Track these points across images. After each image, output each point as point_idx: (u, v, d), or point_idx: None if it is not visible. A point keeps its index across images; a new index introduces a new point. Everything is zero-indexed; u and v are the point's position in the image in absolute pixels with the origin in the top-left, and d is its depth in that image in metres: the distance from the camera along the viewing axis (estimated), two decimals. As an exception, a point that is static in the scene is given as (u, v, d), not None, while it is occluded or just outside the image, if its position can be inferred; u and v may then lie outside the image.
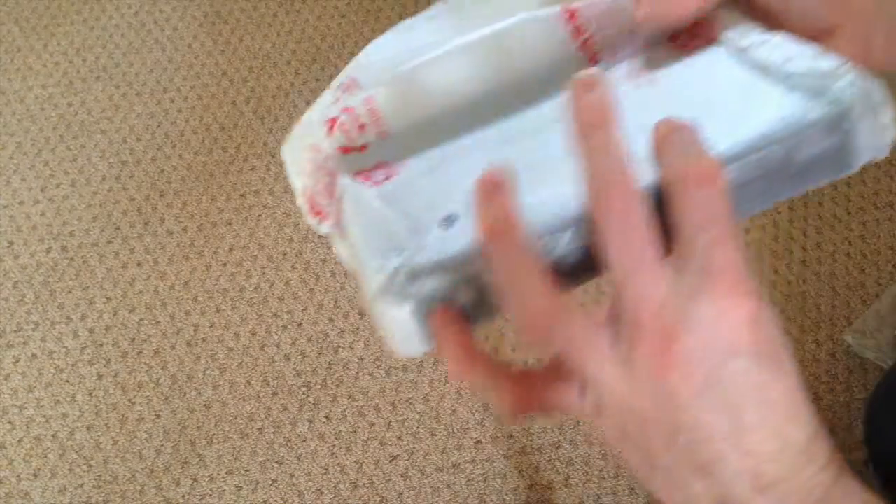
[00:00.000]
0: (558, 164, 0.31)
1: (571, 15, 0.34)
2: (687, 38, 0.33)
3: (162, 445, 0.75)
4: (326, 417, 0.76)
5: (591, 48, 0.34)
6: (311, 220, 0.35)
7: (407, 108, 0.35)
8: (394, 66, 0.35)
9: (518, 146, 0.33)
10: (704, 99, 0.32)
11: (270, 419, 0.76)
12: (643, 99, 0.32)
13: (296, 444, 0.74)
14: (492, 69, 0.34)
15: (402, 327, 0.31)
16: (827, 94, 0.31)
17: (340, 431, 0.75)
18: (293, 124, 0.35)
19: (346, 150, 0.34)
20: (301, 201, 0.36)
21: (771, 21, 0.29)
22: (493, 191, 0.27)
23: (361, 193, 0.33)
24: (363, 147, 0.34)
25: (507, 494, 0.71)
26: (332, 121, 0.34)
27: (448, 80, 0.35)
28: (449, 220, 0.31)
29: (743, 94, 0.32)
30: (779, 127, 0.31)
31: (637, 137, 0.28)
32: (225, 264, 0.86)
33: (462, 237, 0.31)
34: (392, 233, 0.31)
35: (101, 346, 0.81)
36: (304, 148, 0.35)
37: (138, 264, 0.86)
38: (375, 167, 0.33)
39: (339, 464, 0.73)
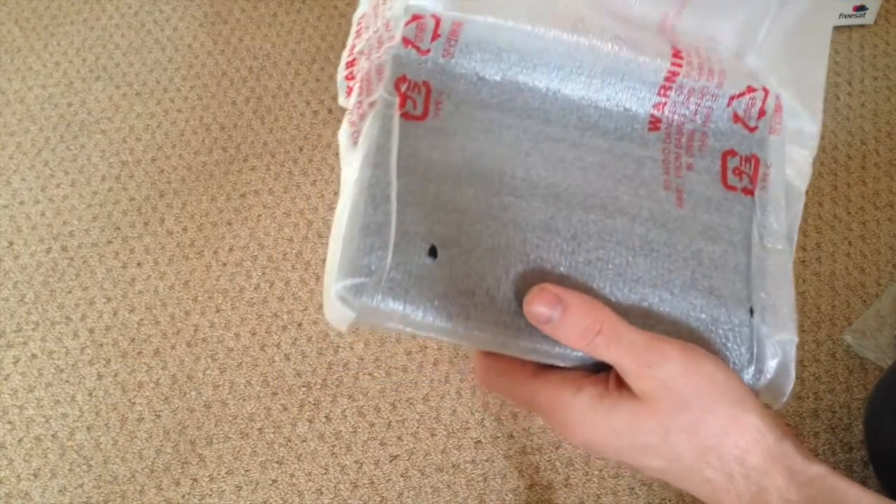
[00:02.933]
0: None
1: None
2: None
3: (162, 445, 0.75)
4: (326, 417, 0.76)
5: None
6: (340, 81, 0.35)
7: (482, 56, 0.33)
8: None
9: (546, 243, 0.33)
10: None
11: (270, 419, 0.76)
12: None
13: (296, 444, 0.74)
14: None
15: (339, 315, 0.31)
16: None
17: (340, 431, 0.75)
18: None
19: (408, 43, 0.33)
20: (344, 57, 0.35)
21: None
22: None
23: (390, 120, 0.32)
24: (426, 52, 0.33)
25: (507, 494, 0.71)
26: (416, 17, 0.33)
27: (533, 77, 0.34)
28: (433, 252, 0.31)
29: None
30: None
31: None
32: (225, 264, 0.86)
33: (438, 277, 0.31)
34: (384, 226, 0.30)
35: (101, 346, 0.81)
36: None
37: (138, 264, 0.86)
38: (423, 84, 0.33)
39: (339, 464, 0.73)
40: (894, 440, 0.63)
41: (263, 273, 0.85)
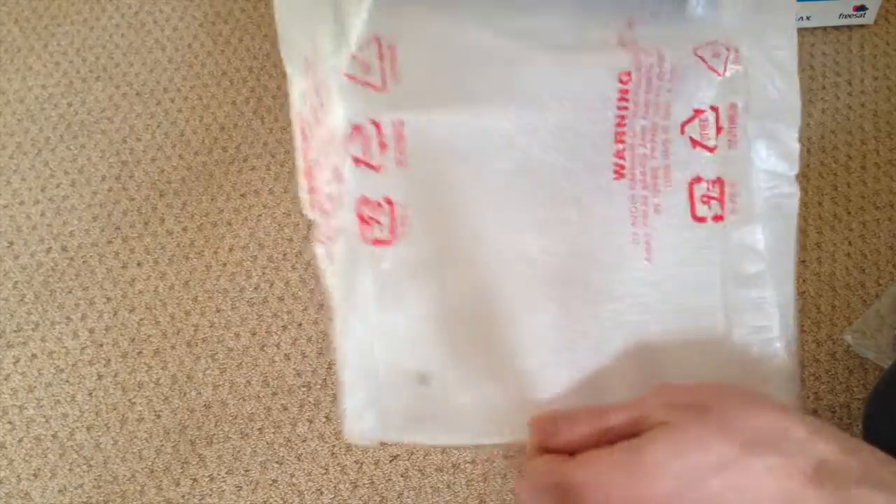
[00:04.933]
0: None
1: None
2: None
3: (162, 445, 0.75)
4: (326, 417, 0.76)
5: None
6: (301, 193, 0.33)
7: (436, 154, 0.32)
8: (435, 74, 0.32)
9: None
10: None
11: (270, 419, 0.76)
12: None
13: (296, 444, 0.74)
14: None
15: (361, 444, 0.33)
16: None
17: (340, 431, 0.75)
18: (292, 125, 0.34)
19: (359, 162, 0.32)
20: (300, 166, 0.34)
21: None
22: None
23: (357, 253, 0.31)
24: (378, 167, 0.32)
25: (507, 494, 0.71)
26: (356, 127, 0.32)
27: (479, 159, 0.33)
28: (424, 379, 0.32)
29: None
30: None
31: None
32: (225, 264, 0.86)
33: (436, 400, 0.32)
34: (373, 372, 0.32)
35: (101, 346, 0.81)
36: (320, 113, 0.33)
37: (138, 264, 0.86)
38: (384, 200, 0.32)
39: (339, 464, 0.73)
40: (894, 440, 0.63)
41: (263, 273, 0.85)
